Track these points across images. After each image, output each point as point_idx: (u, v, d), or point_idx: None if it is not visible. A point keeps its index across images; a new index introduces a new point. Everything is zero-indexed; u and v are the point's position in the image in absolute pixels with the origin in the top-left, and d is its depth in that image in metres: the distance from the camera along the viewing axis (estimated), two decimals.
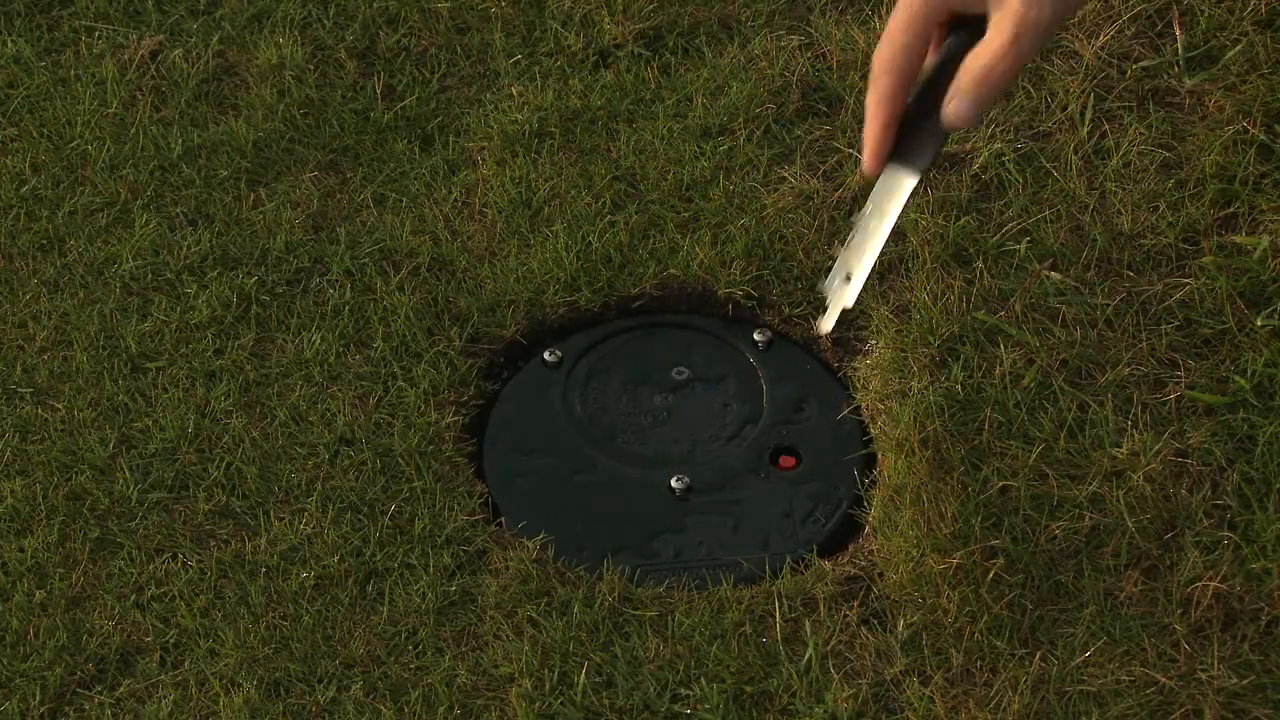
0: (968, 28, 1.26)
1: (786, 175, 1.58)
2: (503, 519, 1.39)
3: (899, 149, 1.28)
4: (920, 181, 1.28)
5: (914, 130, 1.29)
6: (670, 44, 1.70)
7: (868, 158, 1.28)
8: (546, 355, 1.50)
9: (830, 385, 1.47)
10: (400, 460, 1.41)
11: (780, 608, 1.30)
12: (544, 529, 1.37)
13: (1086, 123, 1.58)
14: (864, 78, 1.62)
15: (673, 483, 1.41)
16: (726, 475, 1.42)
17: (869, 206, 1.31)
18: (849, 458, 1.42)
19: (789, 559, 1.35)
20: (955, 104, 1.24)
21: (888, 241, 1.30)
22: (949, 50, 1.27)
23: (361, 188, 1.61)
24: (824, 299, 1.35)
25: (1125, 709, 1.23)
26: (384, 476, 1.40)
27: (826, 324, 1.34)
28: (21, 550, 1.36)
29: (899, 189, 1.29)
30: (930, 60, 1.28)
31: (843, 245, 1.33)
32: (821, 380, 1.48)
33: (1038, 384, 1.39)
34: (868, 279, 1.28)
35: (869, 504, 1.37)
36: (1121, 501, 1.32)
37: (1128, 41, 1.64)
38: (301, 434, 1.43)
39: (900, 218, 1.27)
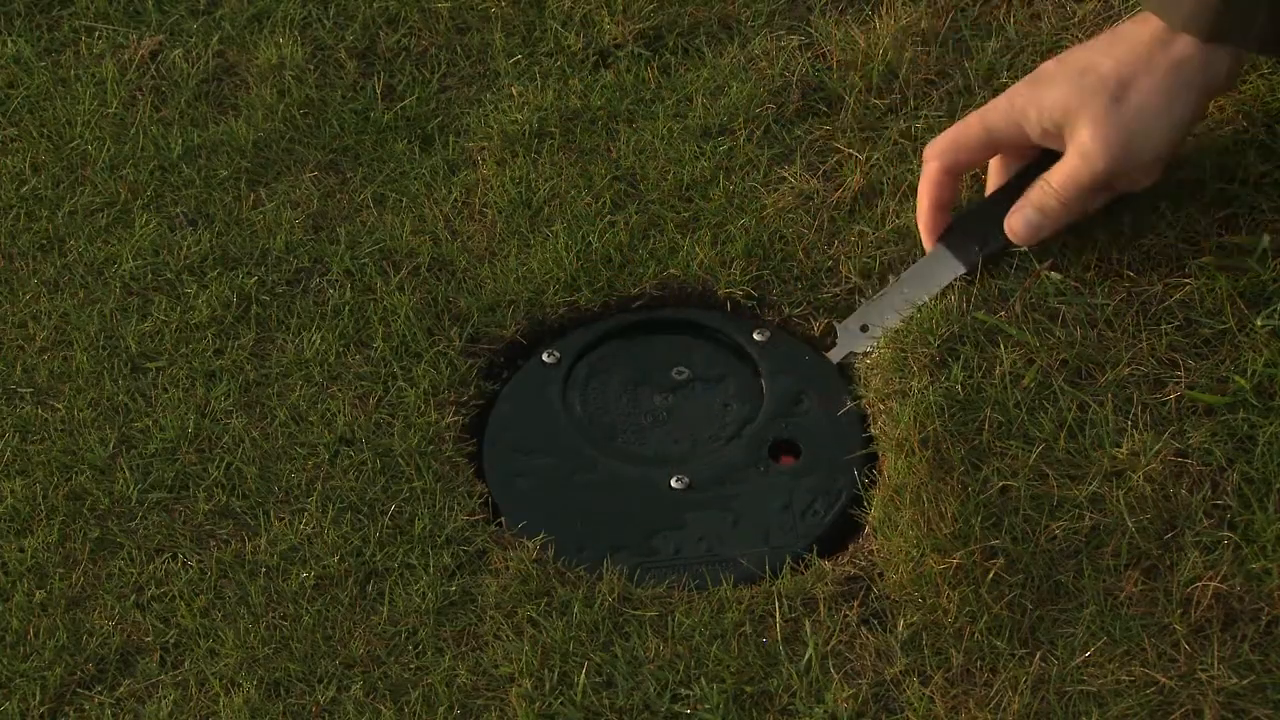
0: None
1: (786, 175, 1.58)
2: (503, 519, 1.39)
3: (961, 233, 1.45)
4: (968, 273, 1.44)
5: (983, 223, 1.41)
6: (670, 44, 1.70)
7: (923, 237, 1.47)
8: (545, 356, 1.49)
9: (830, 380, 1.47)
10: (400, 460, 1.41)
11: (780, 608, 1.30)
12: (544, 529, 1.37)
13: None
14: (864, 78, 1.63)
15: (673, 482, 1.41)
16: (727, 473, 1.42)
17: (911, 272, 1.40)
18: (849, 457, 1.42)
19: (789, 558, 1.35)
20: (1019, 215, 1.41)
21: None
22: (1030, 161, 1.39)
23: (361, 188, 1.61)
24: (836, 335, 1.43)
25: (1125, 709, 1.23)
26: (384, 476, 1.40)
27: (835, 356, 1.42)
28: (21, 550, 1.36)
29: (945, 272, 1.41)
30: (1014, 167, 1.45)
31: (868, 298, 1.41)
32: (822, 375, 1.47)
33: (1038, 384, 1.39)
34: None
35: (869, 504, 1.37)
36: (1121, 501, 1.32)
37: None
38: (301, 434, 1.43)
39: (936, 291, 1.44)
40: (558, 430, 1.45)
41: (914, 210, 1.48)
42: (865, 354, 1.45)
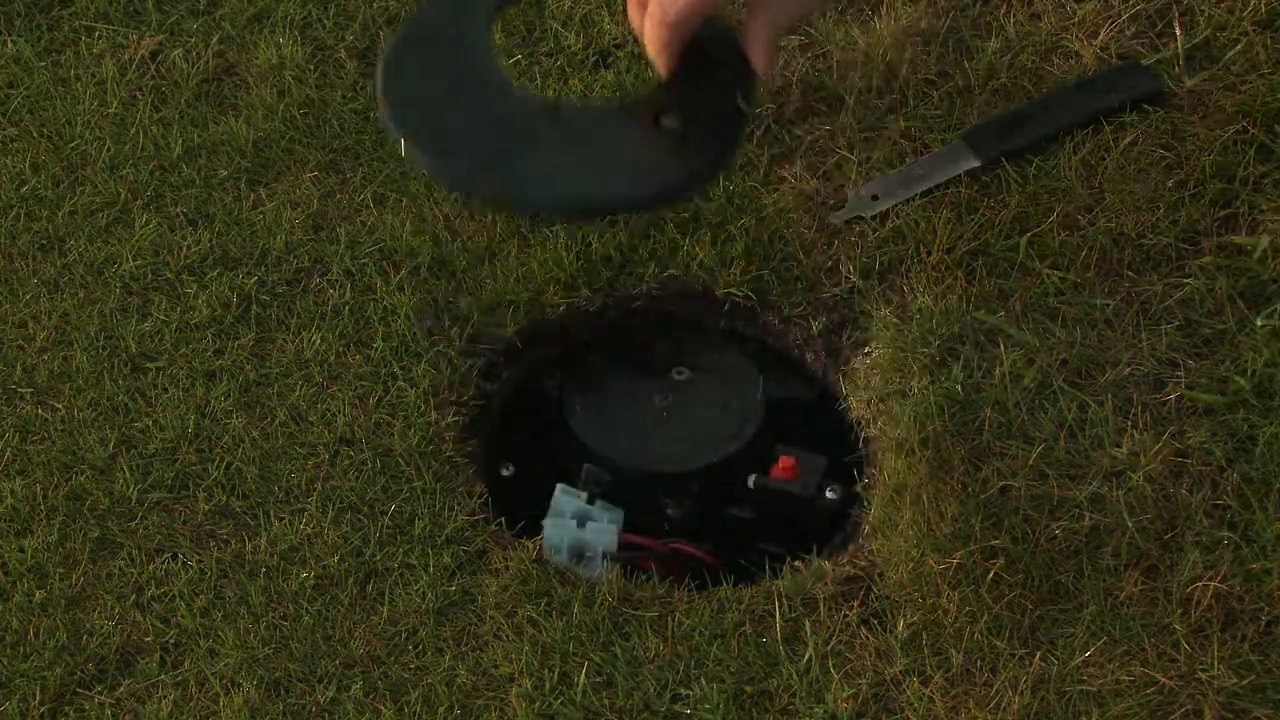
0: None
1: (786, 175, 1.57)
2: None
3: (983, 132, 1.53)
4: (980, 167, 1.51)
5: (1004, 126, 1.54)
6: None
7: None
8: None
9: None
10: (400, 460, 1.41)
11: (780, 608, 1.30)
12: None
13: None
14: (864, 77, 1.62)
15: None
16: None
17: (928, 158, 1.50)
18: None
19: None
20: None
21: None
22: None
23: (361, 188, 1.61)
24: (844, 202, 1.44)
25: (1125, 709, 1.23)
26: (384, 476, 1.40)
27: (841, 218, 1.41)
28: (21, 550, 1.36)
29: (960, 164, 1.51)
30: None
31: (885, 173, 1.42)
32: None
33: (1038, 384, 1.39)
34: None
35: (869, 504, 1.37)
36: (1121, 501, 1.32)
37: (1128, 41, 1.64)
38: (301, 434, 1.43)
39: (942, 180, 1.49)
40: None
41: (908, 209, 1.48)
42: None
